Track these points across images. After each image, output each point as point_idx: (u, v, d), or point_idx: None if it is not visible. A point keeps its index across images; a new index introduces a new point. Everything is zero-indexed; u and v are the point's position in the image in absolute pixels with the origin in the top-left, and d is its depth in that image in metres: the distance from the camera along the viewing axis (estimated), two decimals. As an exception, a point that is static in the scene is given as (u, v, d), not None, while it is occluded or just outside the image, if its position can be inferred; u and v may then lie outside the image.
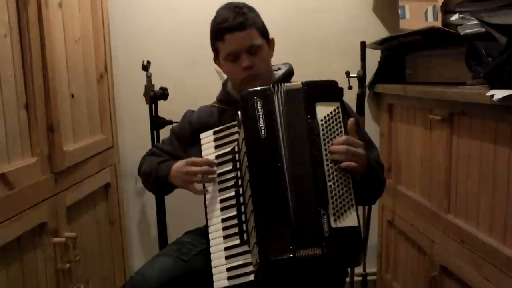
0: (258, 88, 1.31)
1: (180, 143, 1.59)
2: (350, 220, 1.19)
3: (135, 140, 2.28)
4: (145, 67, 1.99)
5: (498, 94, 1.21)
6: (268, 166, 1.24)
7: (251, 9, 1.49)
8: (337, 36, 2.32)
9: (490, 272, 1.36)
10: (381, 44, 2.13)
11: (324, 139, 1.23)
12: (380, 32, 2.31)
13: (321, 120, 1.25)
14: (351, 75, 2.05)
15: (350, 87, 2.00)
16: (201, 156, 1.42)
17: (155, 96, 1.99)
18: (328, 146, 1.23)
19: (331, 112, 1.25)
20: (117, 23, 2.22)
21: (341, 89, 1.29)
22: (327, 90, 1.28)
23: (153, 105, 2.01)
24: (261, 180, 1.23)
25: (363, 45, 2.11)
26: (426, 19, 2.11)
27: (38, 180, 1.40)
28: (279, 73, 1.58)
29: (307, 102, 1.26)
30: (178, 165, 1.44)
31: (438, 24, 1.80)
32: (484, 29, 1.52)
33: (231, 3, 1.50)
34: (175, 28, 2.27)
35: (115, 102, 2.14)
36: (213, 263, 1.31)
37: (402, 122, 2.01)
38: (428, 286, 1.73)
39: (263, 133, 1.25)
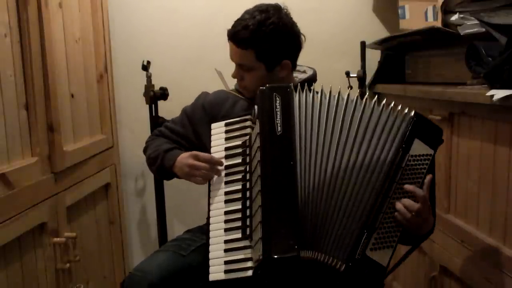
0: (281, 84, 1.31)
1: (191, 125, 1.56)
2: (383, 258, 1.19)
3: (135, 140, 2.28)
4: (145, 67, 1.99)
5: (498, 94, 1.21)
6: (281, 163, 1.22)
7: (267, 24, 1.39)
8: (337, 36, 2.32)
9: (490, 272, 1.36)
10: (381, 44, 2.13)
11: (403, 174, 1.20)
12: (380, 32, 2.31)
13: (411, 156, 1.22)
14: (351, 75, 2.05)
15: (350, 87, 2.00)
16: (210, 141, 1.42)
17: (155, 96, 1.99)
18: (402, 183, 1.20)
19: (422, 155, 1.22)
20: (117, 24, 2.23)
21: (442, 140, 1.27)
22: (432, 133, 1.25)
23: (153, 105, 2.01)
24: (272, 175, 1.21)
25: (363, 45, 2.11)
26: (426, 19, 2.11)
27: (38, 180, 1.40)
28: (302, 76, 1.57)
29: (411, 133, 1.22)
30: (183, 157, 1.43)
31: (438, 24, 1.80)
32: (484, 29, 1.52)
33: (260, 7, 1.43)
34: (175, 28, 2.27)
35: (115, 102, 2.14)
36: (211, 255, 1.29)
37: (402, 122, 2.01)
38: (428, 286, 1.73)
39: (279, 129, 1.24)
